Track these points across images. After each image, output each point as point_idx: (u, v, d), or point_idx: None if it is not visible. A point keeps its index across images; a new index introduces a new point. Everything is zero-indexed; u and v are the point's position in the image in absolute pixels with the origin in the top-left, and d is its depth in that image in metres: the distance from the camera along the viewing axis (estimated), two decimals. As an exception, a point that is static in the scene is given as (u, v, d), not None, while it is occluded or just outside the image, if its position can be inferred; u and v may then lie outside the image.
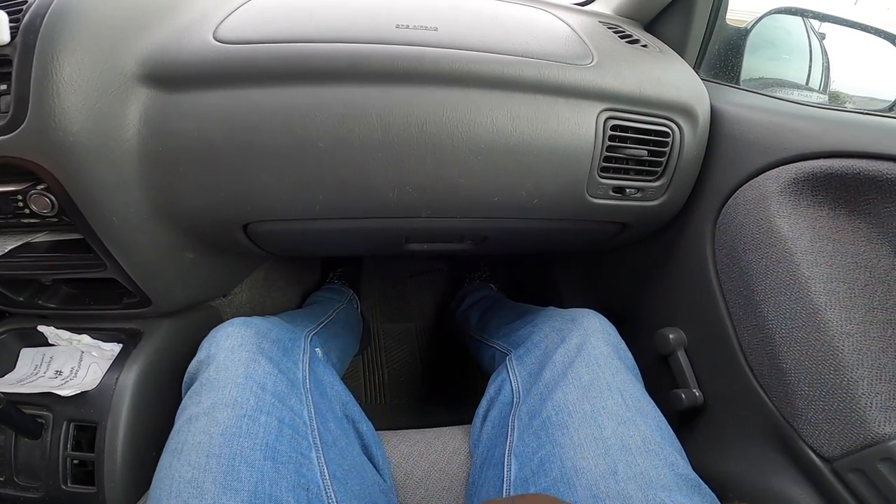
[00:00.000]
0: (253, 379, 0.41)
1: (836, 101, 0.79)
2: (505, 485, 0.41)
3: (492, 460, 0.45)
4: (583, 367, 0.46)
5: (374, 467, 0.47)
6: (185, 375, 0.45)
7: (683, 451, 0.42)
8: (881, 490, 0.39)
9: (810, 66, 0.81)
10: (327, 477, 0.38)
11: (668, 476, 0.36)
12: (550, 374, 0.47)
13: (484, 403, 0.53)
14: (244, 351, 0.44)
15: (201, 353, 0.45)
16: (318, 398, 0.46)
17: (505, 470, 0.42)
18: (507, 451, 0.43)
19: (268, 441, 0.37)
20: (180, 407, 0.41)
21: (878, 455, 0.40)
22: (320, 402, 0.46)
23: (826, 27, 0.82)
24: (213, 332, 0.48)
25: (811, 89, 0.81)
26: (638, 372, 0.50)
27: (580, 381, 0.44)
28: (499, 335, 0.68)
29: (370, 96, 0.47)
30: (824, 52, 0.81)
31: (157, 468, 0.36)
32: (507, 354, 0.57)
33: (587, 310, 0.56)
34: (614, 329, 0.53)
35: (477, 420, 0.53)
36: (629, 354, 0.51)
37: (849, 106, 0.79)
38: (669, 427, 0.44)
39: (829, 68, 0.81)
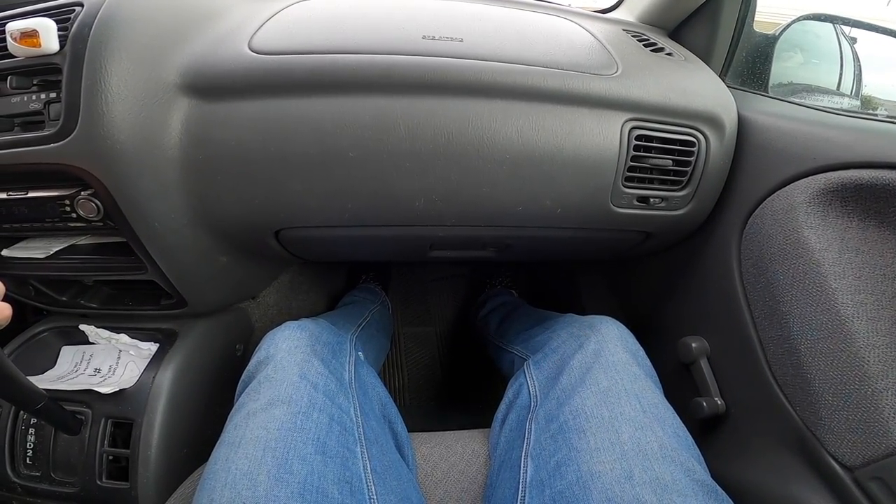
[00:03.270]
0: (307, 379, 0.44)
1: (868, 105, 0.77)
2: (520, 486, 0.41)
3: (509, 462, 0.46)
4: (601, 372, 0.46)
5: (406, 466, 0.48)
6: (244, 374, 0.48)
7: (702, 458, 0.42)
8: None
9: (841, 71, 0.80)
10: (369, 471, 0.40)
11: (683, 482, 0.36)
12: (568, 380, 0.47)
13: (502, 407, 0.54)
14: (299, 353, 0.47)
15: (260, 354, 0.48)
16: (362, 397, 0.49)
17: (521, 472, 0.43)
18: (523, 454, 0.44)
19: (318, 436, 0.39)
20: (237, 403, 0.43)
21: (900, 464, 0.39)
22: (364, 402, 0.48)
23: (857, 31, 0.80)
24: (271, 335, 0.50)
25: (843, 94, 0.80)
26: (656, 378, 0.50)
27: (598, 386, 0.45)
28: (518, 340, 0.69)
29: (398, 107, 0.48)
30: (856, 57, 0.80)
31: (212, 460, 0.38)
32: (525, 360, 0.57)
33: (605, 316, 0.56)
34: (632, 335, 0.53)
35: (496, 424, 0.54)
36: (647, 361, 0.51)
37: (881, 110, 0.77)
38: (688, 433, 0.43)
39: (860, 73, 0.79)
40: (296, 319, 0.54)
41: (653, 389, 0.46)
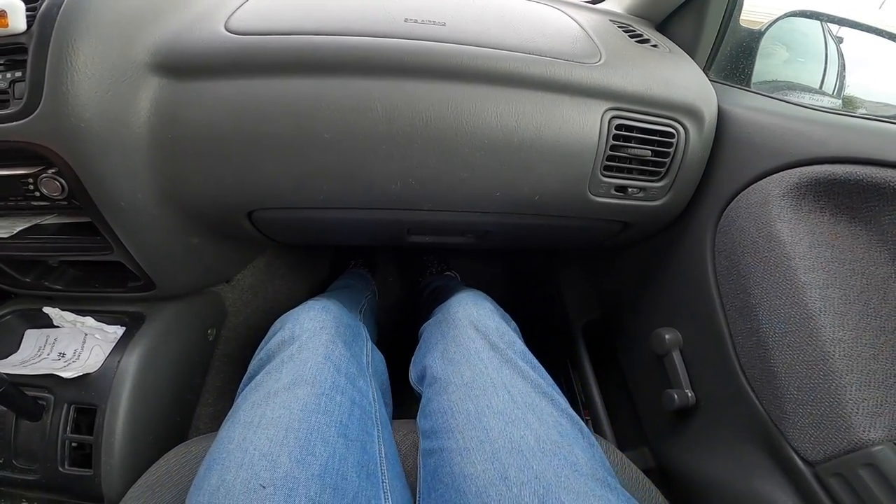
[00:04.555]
0: (331, 360, 0.43)
1: (849, 105, 0.78)
2: (419, 486, 0.40)
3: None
4: (463, 363, 0.44)
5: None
6: (262, 352, 0.46)
7: (593, 448, 0.39)
8: (860, 495, 0.40)
9: (825, 70, 0.80)
10: (383, 455, 0.39)
11: (569, 477, 0.34)
12: (432, 374, 0.46)
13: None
14: (325, 333, 0.46)
15: (284, 333, 0.46)
16: (375, 382, 0.48)
17: (419, 471, 0.41)
18: (419, 453, 0.43)
19: (341, 419, 0.38)
20: (254, 382, 0.41)
21: (861, 460, 0.40)
22: (376, 386, 0.47)
23: (844, 30, 0.81)
24: (295, 313, 0.49)
25: (824, 93, 0.80)
26: (532, 361, 0.46)
27: (462, 379, 0.42)
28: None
29: (376, 89, 0.47)
30: (840, 56, 0.80)
31: (225, 439, 0.35)
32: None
33: (467, 295, 0.54)
34: (496, 314, 0.51)
35: None
36: (518, 342, 0.48)
37: (860, 110, 0.78)
38: (574, 422, 0.40)
39: (844, 72, 0.80)
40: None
41: (525, 376, 0.43)
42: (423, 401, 0.46)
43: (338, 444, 0.36)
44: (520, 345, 0.48)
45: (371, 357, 0.50)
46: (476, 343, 0.46)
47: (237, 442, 0.34)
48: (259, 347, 0.47)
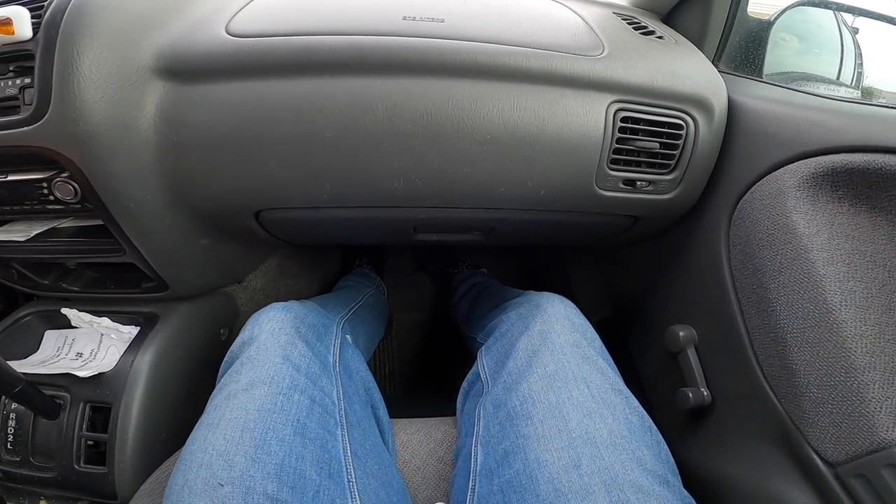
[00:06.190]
0: (289, 360, 0.43)
1: (869, 96, 0.76)
2: (471, 474, 0.41)
3: (463, 451, 0.45)
4: (548, 356, 0.45)
5: (387, 451, 0.48)
6: (227, 355, 0.47)
7: (659, 445, 0.41)
8: (883, 497, 0.38)
9: (841, 61, 0.78)
10: (349, 454, 0.40)
11: (634, 471, 0.35)
12: (514, 364, 0.46)
13: (461, 396, 0.54)
14: (283, 334, 0.46)
15: (244, 335, 0.47)
16: (346, 381, 0.48)
17: (472, 460, 0.42)
18: (473, 442, 0.43)
19: (299, 418, 0.38)
20: (219, 385, 0.43)
21: (884, 461, 0.38)
22: (348, 385, 0.48)
23: (859, 21, 0.78)
24: (255, 316, 0.50)
25: (842, 84, 0.78)
26: (609, 359, 0.48)
27: (545, 370, 0.43)
28: (479, 326, 0.68)
29: (376, 87, 0.48)
30: (857, 47, 0.78)
31: (190, 441, 0.37)
32: (481, 345, 0.57)
33: (551, 294, 0.55)
34: (580, 314, 0.52)
35: (458, 413, 0.53)
36: (598, 341, 0.50)
37: (879, 101, 0.76)
38: (643, 419, 0.42)
39: (862, 63, 0.77)
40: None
41: (603, 372, 0.45)
42: (494, 388, 0.46)
43: (294, 442, 0.36)
44: (599, 343, 0.49)
45: (339, 356, 0.50)
46: (562, 338, 0.47)
47: (199, 443, 0.36)
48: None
